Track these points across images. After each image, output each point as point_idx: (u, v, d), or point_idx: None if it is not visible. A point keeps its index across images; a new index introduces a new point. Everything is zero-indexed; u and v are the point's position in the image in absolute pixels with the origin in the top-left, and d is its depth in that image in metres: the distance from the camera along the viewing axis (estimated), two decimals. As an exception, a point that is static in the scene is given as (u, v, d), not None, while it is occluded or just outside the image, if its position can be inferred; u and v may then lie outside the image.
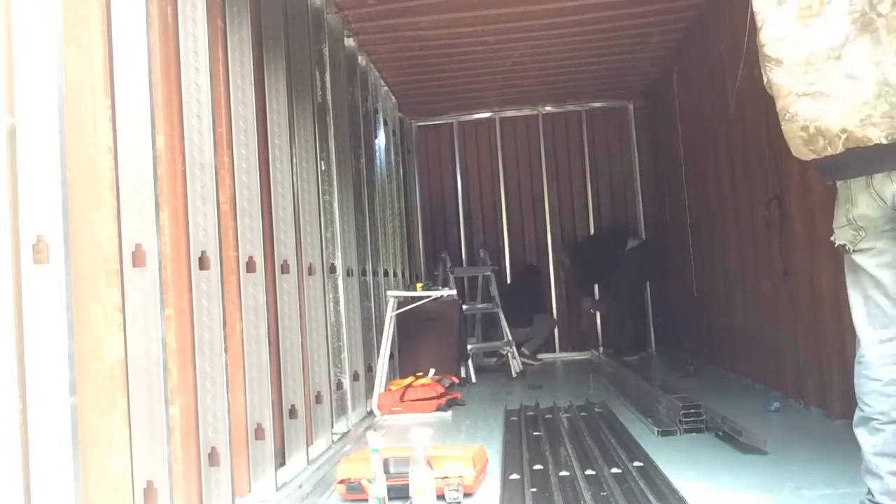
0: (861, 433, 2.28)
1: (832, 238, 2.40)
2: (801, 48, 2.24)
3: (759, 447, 3.35)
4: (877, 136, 2.13)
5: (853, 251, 2.32)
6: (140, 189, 2.37)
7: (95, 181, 2.24)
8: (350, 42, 5.59)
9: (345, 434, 4.36)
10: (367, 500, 2.73)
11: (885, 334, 2.28)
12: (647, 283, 8.17)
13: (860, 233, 2.30)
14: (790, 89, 2.27)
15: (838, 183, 2.35)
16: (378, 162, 6.32)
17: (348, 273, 4.78)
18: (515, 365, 6.66)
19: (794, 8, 2.25)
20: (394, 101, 7.50)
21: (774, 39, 2.29)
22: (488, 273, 7.34)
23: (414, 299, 5.70)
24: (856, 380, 2.32)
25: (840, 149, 2.20)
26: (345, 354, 4.57)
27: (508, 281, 8.42)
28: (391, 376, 5.53)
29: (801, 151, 2.32)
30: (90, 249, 2.19)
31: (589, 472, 3.11)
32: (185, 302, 2.63)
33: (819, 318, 4.10)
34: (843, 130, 2.18)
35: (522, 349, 7.35)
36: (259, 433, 3.07)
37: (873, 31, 2.14)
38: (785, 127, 2.32)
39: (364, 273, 5.29)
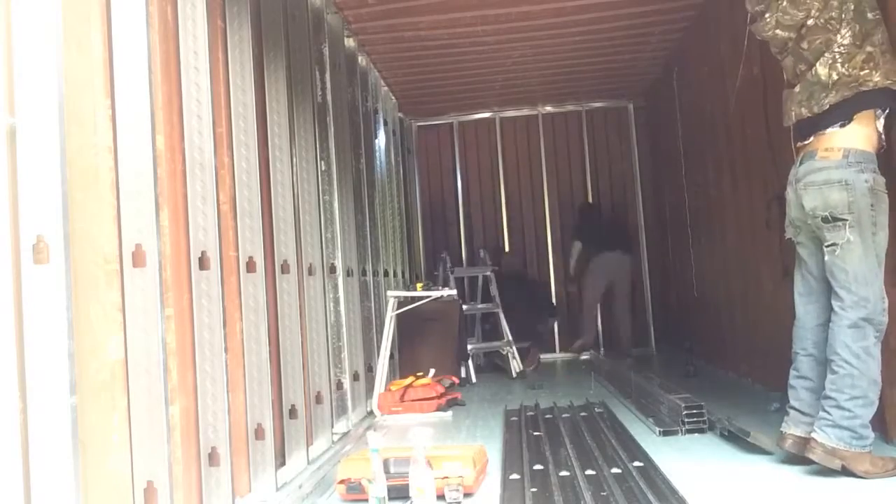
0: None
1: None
2: None
3: (766, 448, 3.33)
4: None
5: None
6: (140, 189, 2.37)
7: (95, 181, 2.24)
8: (350, 42, 5.60)
9: (345, 434, 4.36)
10: (367, 500, 2.73)
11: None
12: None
13: None
14: None
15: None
16: (378, 162, 6.32)
17: (348, 273, 4.78)
18: (515, 365, 6.65)
19: None
20: (394, 101, 7.50)
21: None
22: (488, 273, 7.34)
23: (414, 299, 5.70)
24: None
25: None
26: (345, 354, 4.57)
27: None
28: (391, 376, 5.52)
29: None
30: (90, 249, 2.19)
31: (589, 472, 3.10)
32: (185, 302, 2.63)
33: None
34: None
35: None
36: (259, 433, 3.07)
37: None
38: None
39: (364, 273, 5.29)
